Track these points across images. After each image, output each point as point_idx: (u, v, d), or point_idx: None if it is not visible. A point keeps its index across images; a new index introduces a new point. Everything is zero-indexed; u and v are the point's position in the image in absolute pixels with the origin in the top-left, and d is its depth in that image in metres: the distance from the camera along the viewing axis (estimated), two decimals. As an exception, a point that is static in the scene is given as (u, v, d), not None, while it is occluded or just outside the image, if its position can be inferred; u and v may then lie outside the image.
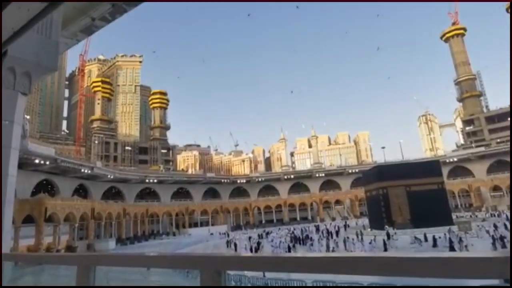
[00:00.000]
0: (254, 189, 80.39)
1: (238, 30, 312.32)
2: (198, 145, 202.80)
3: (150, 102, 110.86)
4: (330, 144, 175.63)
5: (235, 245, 34.84)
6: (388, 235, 30.54)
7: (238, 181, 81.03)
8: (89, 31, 6.22)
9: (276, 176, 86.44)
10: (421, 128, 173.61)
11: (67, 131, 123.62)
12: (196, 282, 1.28)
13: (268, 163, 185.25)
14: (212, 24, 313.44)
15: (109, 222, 49.64)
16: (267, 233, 46.05)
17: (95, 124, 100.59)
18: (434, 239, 26.29)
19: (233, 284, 13.41)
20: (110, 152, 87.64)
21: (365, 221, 50.80)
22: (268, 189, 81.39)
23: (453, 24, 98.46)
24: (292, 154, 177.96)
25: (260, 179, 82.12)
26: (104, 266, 1.95)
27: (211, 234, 55.40)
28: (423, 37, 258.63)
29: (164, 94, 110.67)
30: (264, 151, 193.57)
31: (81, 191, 54.24)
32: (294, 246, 31.98)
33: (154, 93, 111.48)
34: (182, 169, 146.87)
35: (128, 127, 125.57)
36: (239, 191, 79.73)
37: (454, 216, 41.97)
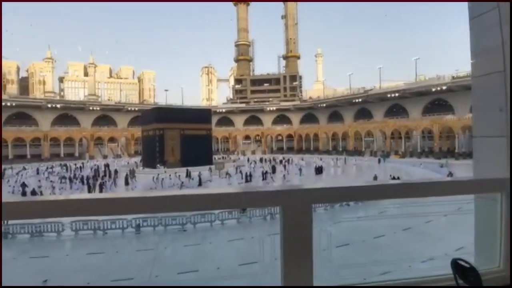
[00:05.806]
0: (-1, 116, 62.43)
1: None
2: None
3: None
4: (111, 76, 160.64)
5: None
6: (183, 175, 32.26)
7: (-27, 103, 60.08)
8: None
9: (35, 102, 70.33)
10: (202, 78, 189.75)
11: None
12: None
13: (24, 85, 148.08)
14: None
15: None
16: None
17: None
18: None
19: None
20: None
21: (138, 159, 51.46)
22: (22, 118, 65.40)
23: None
24: (61, 80, 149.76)
25: (10, 104, 64.33)
26: None
27: None
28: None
29: None
30: (19, 69, 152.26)
31: None
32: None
33: None
34: None
35: None
36: (-27, 116, 59.56)
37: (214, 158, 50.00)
